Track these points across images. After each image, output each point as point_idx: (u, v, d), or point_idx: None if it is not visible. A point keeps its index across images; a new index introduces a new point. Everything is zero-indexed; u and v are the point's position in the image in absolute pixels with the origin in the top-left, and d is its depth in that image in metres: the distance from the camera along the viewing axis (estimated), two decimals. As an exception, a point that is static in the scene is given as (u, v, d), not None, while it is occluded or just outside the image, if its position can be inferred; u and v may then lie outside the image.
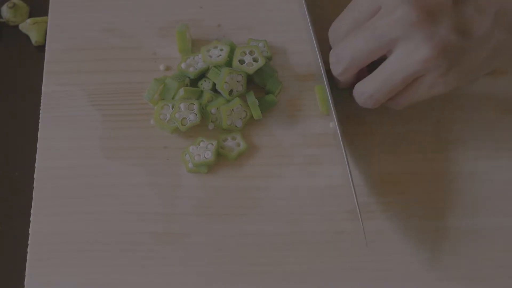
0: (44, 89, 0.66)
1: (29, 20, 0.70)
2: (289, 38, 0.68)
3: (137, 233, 0.60)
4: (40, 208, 0.61)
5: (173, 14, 0.69)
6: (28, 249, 0.60)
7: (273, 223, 0.61)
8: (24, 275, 0.59)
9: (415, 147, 0.64)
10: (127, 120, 0.65)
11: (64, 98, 0.65)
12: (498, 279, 0.59)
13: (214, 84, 0.64)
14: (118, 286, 0.59)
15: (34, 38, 0.70)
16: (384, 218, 0.61)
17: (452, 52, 0.55)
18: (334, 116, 0.61)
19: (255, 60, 0.64)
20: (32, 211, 0.61)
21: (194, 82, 0.65)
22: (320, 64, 0.63)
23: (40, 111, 0.65)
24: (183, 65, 0.65)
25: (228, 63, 0.64)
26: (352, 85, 0.61)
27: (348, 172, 0.59)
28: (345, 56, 0.58)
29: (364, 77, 0.60)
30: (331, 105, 0.61)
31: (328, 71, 0.61)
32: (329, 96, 0.62)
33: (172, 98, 0.64)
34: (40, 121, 0.64)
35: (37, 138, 0.64)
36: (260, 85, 0.66)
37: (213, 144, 0.62)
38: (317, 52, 0.63)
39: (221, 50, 0.65)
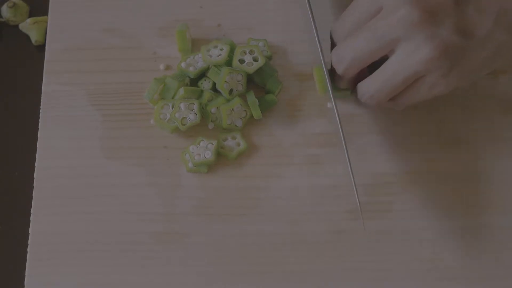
0: (44, 88, 0.66)
1: (29, 20, 0.70)
2: (289, 38, 0.68)
3: (137, 233, 0.60)
4: (40, 208, 0.61)
5: (173, 14, 0.69)
6: (28, 249, 0.60)
7: (273, 223, 0.61)
8: (24, 275, 0.59)
9: (416, 147, 0.64)
10: (127, 120, 0.65)
11: (64, 98, 0.65)
12: (499, 279, 0.59)
13: (214, 84, 0.64)
14: (118, 286, 0.59)
15: (34, 38, 0.70)
16: (384, 218, 0.61)
17: (453, 53, 0.55)
18: (331, 97, 0.61)
19: (255, 60, 0.64)
20: (32, 211, 0.61)
21: (194, 81, 0.65)
22: (318, 47, 0.62)
23: (40, 111, 0.65)
24: (183, 65, 0.65)
25: (228, 63, 0.64)
26: (353, 85, 0.61)
27: (346, 156, 0.59)
28: (346, 56, 0.58)
29: (365, 78, 0.60)
30: (329, 86, 0.61)
31: (330, 71, 0.61)
32: (326, 76, 0.61)
33: (172, 98, 0.64)
34: (40, 121, 0.64)
35: (37, 138, 0.64)
36: (260, 84, 0.66)
37: (213, 144, 0.62)
38: (315, 33, 0.62)
39: (221, 49, 0.65)
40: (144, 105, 0.65)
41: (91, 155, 0.63)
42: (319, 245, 0.60)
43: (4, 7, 0.71)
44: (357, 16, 0.58)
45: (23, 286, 0.59)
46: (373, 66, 0.59)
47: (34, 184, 0.62)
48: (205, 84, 0.65)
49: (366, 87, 0.59)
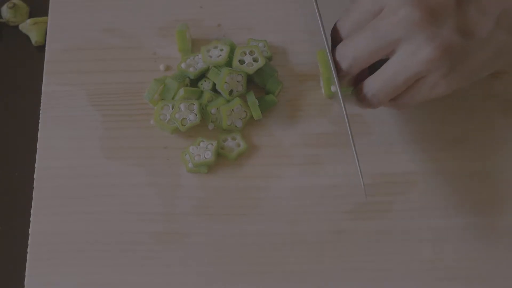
0: (44, 89, 0.66)
1: (29, 20, 0.70)
2: (289, 38, 0.68)
3: (137, 233, 0.60)
4: (40, 208, 0.61)
5: (173, 14, 0.69)
6: (28, 249, 0.60)
7: (273, 223, 0.61)
8: (24, 275, 0.59)
9: (416, 147, 0.64)
10: (127, 120, 0.65)
11: (64, 98, 0.65)
12: (499, 279, 0.59)
13: (214, 84, 0.64)
14: (118, 286, 0.59)
15: (34, 38, 0.70)
16: (384, 218, 0.61)
17: (454, 53, 0.55)
18: (336, 79, 0.60)
19: (255, 60, 0.64)
20: (32, 211, 0.61)
21: (194, 82, 0.65)
22: (321, 29, 0.62)
23: (40, 111, 0.65)
24: (183, 65, 0.65)
25: (228, 63, 0.64)
26: (354, 85, 0.61)
27: (352, 142, 0.59)
28: (348, 55, 0.58)
29: (365, 78, 0.59)
30: (333, 69, 0.61)
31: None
32: (330, 60, 0.61)
33: (172, 98, 0.64)
34: (40, 121, 0.64)
35: (37, 138, 0.64)
36: (260, 85, 0.66)
37: (213, 144, 0.62)
38: (318, 17, 0.62)
39: (221, 50, 0.65)
40: (144, 105, 0.65)
41: (91, 155, 0.63)
42: (319, 245, 0.60)
43: (4, 8, 0.71)
44: (358, 16, 0.58)
45: (23, 286, 0.59)
46: (373, 67, 0.59)
47: (34, 184, 0.62)
48: (205, 85, 0.65)
49: (367, 86, 0.59)
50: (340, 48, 0.59)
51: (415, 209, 0.61)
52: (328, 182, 0.62)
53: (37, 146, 0.63)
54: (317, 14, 0.63)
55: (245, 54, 0.64)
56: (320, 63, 0.64)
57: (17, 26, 0.71)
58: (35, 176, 0.62)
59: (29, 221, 0.61)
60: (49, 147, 0.63)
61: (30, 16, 0.71)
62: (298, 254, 0.60)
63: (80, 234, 0.60)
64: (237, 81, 0.64)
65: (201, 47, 0.65)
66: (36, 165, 0.63)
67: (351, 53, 0.58)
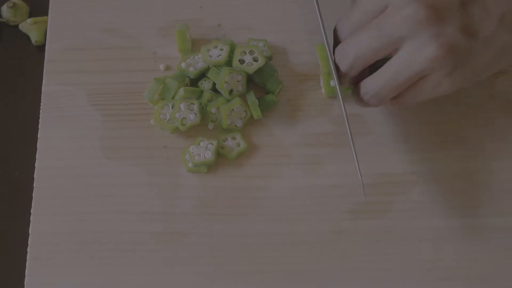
0: (44, 89, 0.66)
1: (29, 20, 0.70)
2: (289, 38, 0.68)
3: (137, 233, 0.60)
4: (40, 208, 0.61)
5: (173, 14, 0.69)
6: (28, 249, 0.60)
7: (273, 223, 0.61)
8: (24, 275, 0.59)
9: (416, 147, 0.64)
10: (127, 120, 0.65)
11: (64, 98, 0.65)
12: (499, 279, 0.59)
13: (214, 84, 0.64)
14: (118, 286, 0.59)
15: (34, 38, 0.70)
16: (384, 218, 0.61)
17: (458, 52, 0.55)
18: (335, 76, 0.61)
19: (255, 60, 0.64)
20: (32, 211, 0.61)
21: (194, 81, 0.65)
22: (320, 23, 0.62)
23: (40, 111, 0.65)
24: (183, 65, 0.65)
25: (228, 63, 0.64)
26: (354, 84, 0.61)
27: (352, 147, 0.59)
28: (350, 54, 0.58)
29: (366, 77, 0.59)
30: (332, 66, 0.61)
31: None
32: (329, 55, 0.61)
33: (172, 98, 0.64)
34: (40, 121, 0.64)
35: (37, 138, 0.64)
36: (260, 84, 0.66)
37: (213, 144, 0.62)
38: (319, 16, 0.62)
39: (221, 49, 0.65)
40: (144, 105, 0.65)
41: (91, 155, 0.63)
42: (319, 245, 0.60)
43: (4, 7, 0.71)
44: (362, 14, 0.58)
45: (23, 286, 0.59)
46: (374, 67, 0.59)
47: (34, 184, 0.62)
48: (205, 84, 0.65)
49: (369, 85, 0.59)
50: (342, 46, 0.59)
51: (415, 209, 0.61)
52: (328, 182, 0.62)
53: (37, 146, 0.63)
54: (317, 8, 0.62)
55: (245, 53, 0.64)
56: (319, 58, 0.64)
57: (17, 26, 0.71)
58: (35, 176, 0.62)
59: (29, 221, 0.61)
60: (49, 147, 0.63)
61: (30, 16, 0.71)
62: (298, 254, 0.60)
63: (80, 234, 0.60)
64: (237, 81, 0.64)
65: (201, 47, 0.65)
66: (36, 165, 0.63)
67: (354, 51, 0.57)
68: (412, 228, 0.61)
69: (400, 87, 0.57)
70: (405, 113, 0.64)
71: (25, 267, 0.59)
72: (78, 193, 0.62)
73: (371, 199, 0.61)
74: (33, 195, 0.62)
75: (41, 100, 0.65)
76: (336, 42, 0.60)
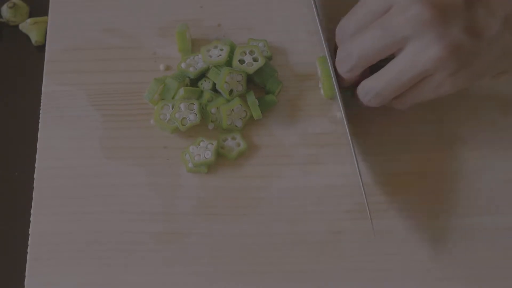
0: (44, 89, 0.66)
1: (29, 20, 0.70)
2: (289, 38, 0.68)
3: (137, 233, 0.60)
4: (40, 208, 0.61)
5: (173, 14, 0.69)
6: (28, 249, 0.60)
7: (273, 223, 0.61)
8: (24, 275, 0.59)
9: (416, 147, 0.64)
10: (127, 120, 0.65)
11: (64, 98, 0.65)
12: (499, 279, 0.59)
13: (214, 84, 0.64)
14: (118, 286, 0.59)
15: (34, 38, 0.70)
16: (385, 218, 0.61)
17: (462, 53, 0.55)
18: (333, 74, 0.61)
19: (255, 60, 0.64)
20: (32, 211, 0.61)
21: (194, 82, 0.65)
22: (322, 39, 0.62)
23: (40, 111, 0.65)
24: (183, 65, 0.65)
25: (228, 63, 0.64)
26: (356, 84, 0.61)
27: (353, 155, 0.59)
28: (354, 53, 0.58)
29: (367, 77, 0.59)
30: (332, 74, 0.60)
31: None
32: (330, 66, 0.61)
33: (172, 98, 0.64)
34: (40, 121, 0.64)
35: (37, 138, 0.64)
36: (260, 85, 0.66)
37: (213, 144, 0.62)
38: (319, 25, 0.62)
39: (221, 50, 0.65)
40: (144, 105, 0.65)
41: (91, 155, 0.63)
42: (319, 245, 0.60)
43: (4, 8, 0.71)
44: (365, 14, 0.58)
45: (23, 286, 0.59)
46: (375, 67, 0.59)
47: (34, 184, 0.62)
48: (205, 85, 0.65)
49: (371, 85, 0.59)
50: (345, 46, 0.59)
51: (415, 209, 0.61)
52: (328, 182, 0.62)
53: (37, 146, 0.63)
54: (317, 21, 0.63)
55: (245, 54, 0.64)
56: (320, 70, 0.64)
57: (17, 26, 0.71)
58: (35, 176, 0.62)
59: (29, 221, 0.61)
60: (49, 147, 0.63)
61: (30, 16, 0.71)
62: (298, 254, 0.60)
63: (80, 234, 0.60)
64: (237, 81, 0.64)
65: (201, 47, 0.65)
66: (36, 165, 0.63)
67: (357, 51, 0.57)
68: (412, 228, 0.61)
69: (403, 87, 0.57)
70: (404, 113, 0.64)
71: (25, 267, 0.59)
72: (78, 193, 0.62)
73: (371, 199, 0.61)
74: (33, 195, 0.62)
75: (41, 100, 0.65)
76: (339, 41, 0.60)
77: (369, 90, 0.59)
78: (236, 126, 0.64)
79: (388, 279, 0.59)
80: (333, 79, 0.61)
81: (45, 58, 0.67)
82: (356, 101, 0.61)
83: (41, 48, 0.69)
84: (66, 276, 0.59)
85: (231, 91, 0.64)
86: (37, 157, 0.63)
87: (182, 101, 0.63)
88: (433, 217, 0.61)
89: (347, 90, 0.62)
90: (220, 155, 0.63)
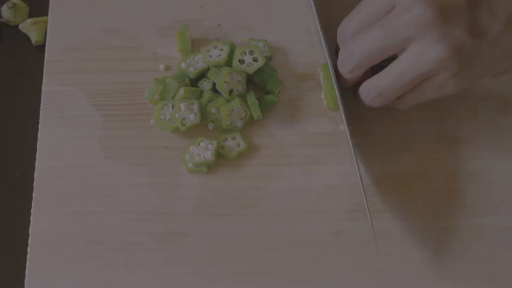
0: (44, 89, 0.66)
1: (29, 20, 0.70)
2: (289, 38, 0.68)
3: (137, 233, 0.60)
4: (40, 208, 0.61)
5: (173, 14, 0.69)
6: (28, 249, 0.60)
7: (273, 223, 0.61)
8: (24, 275, 0.59)
9: (416, 147, 0.64)
10: (127, 120, 0.65)
11: (64, 98, 0.65)
12: (498, 279, 0.59)
13: (214, 84, 0.64)
14: (118, 286, 0.59)
15: (34, 38, 0.70)
16: (385, 218, 0.61)
17: (465, 54, 0.55)
18: (332, 74, 0.61)
19: (255, 60, 0.64)
20: (32, 211, 0.61)
21: (194, 82, 0.65)
22: (323, 42, 0.62)
23: (40, 111, 0.65)
24: (183, 65, 0.65)
25: (228, 63, 0.64)
26: (358, 84, 0.61)
27: (353, 156, 0.59)
28: (356, 53, 0.58)
29: (369, 77, 0.59)
30: (334, 80, 0.61)
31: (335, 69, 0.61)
32: (331, 73, 0.61)
33: (172, 98, 0.64)
34: (40, 121, 0.64)
35: (37, 138, 0.64)
36: (260, 85, 0.66)
37: (213, 144, 0.62)
38: (320, 29, 0.62)
39: (221, 50, 0.65)
40: (144, 105, 0.65)
41: (91, 155, 0.63)
42: (319, 245, 0.60)
43: (4, 8, 0.71)
44: (368, 14, 0.58)
45: (23, 286, 0.59)
46: (376, 67, 0.59)
47: (34, 184, 0.62)
48: (205, 85, 0.65)
49: (373, 85, 0.59)
50: (347, 46, 0.59)
51: (415, 209, 0.61)
52: (327, 182, 0.62)
53: (37, 146, 0.63)
54: (319, 27, 0.63)
55: (245, 54, 0.64)
56: (322, 77, 0.64)
57: (17, 26, 0.71)
58: (35, 176, 0.62)
59: (29, 221, 0.61)
60: (49, 147, 0.63)
61: (30, 16, 0.71)
62: (298, 254, 0.60)
63: (80, 234, 0.60)
64: (237, 81, 0.64)
65: (201, 47, 0.65)
66: (36, 165, 0.63)
67: (359, 51, 0.57)
68: (412, 228, 0.61)
69: (405, 88, 0.57)
70: (404, 113, 0.64)
71: (25, 267, 0.59)
72: (78, 193, 0.62)
73: (371, 199, 0.61)
74: (33, 195, 0.62)
75: (41, 100, 0.65)
76: (341, 41, 0.60)
77: (371, 91, 0.59)
78: (236, 126, 0.64)
79: (388, 279, 0.59)
80: (335, 86, 0.61)
81: (45, 58, 0.67)
82: (357, 101, 0.61)
83: (41, 48, 0.69)
84: (66, 276, 0.59)
85: (231, 91, 0.64)
86: (37, 157, 0.63)
87: (182, 101, 0.63)
88: (433, 217, 0.61)
89: (349, 90, 0.62)
90: (220, 155, 0.63)
